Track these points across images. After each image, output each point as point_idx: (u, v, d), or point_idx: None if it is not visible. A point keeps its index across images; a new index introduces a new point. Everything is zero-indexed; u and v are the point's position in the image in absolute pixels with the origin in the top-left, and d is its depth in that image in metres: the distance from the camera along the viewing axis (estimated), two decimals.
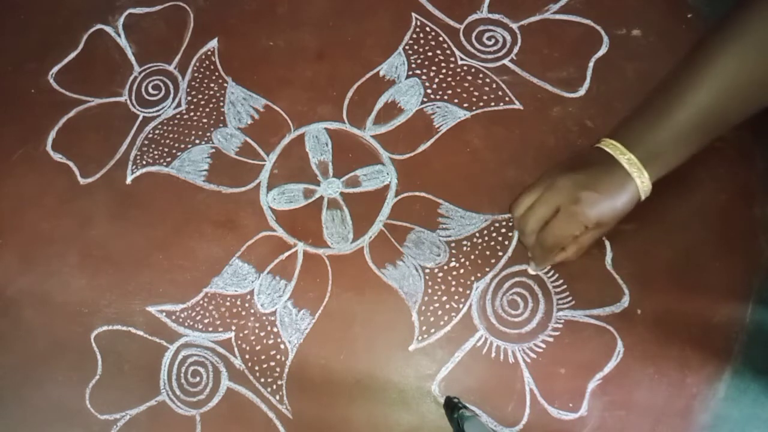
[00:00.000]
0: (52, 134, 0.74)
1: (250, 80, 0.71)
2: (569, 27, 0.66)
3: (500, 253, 0.60)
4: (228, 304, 0.64)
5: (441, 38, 0.68)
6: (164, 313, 0.65)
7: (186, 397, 0.62)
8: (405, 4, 0.70)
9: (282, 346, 0.61)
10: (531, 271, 0.58)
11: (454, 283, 0.60)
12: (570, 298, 0.57)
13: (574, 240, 0.49)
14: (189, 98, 0.72)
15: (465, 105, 0.65)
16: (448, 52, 0.68)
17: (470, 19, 0.68)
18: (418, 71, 0.67)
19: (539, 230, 0.50)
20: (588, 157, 0.48)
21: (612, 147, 0.47)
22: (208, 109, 0.71)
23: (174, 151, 0.70)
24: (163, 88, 0.73)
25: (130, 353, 0.64)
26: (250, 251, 0.65)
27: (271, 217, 0.66)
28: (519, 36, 0.66)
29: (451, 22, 0.69)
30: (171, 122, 0.72)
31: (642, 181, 0.46)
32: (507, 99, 0.65)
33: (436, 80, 0.67)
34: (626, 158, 0.46)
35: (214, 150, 0.69)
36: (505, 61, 0.66)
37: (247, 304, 0.63)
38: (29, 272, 0.69)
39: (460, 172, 0.63)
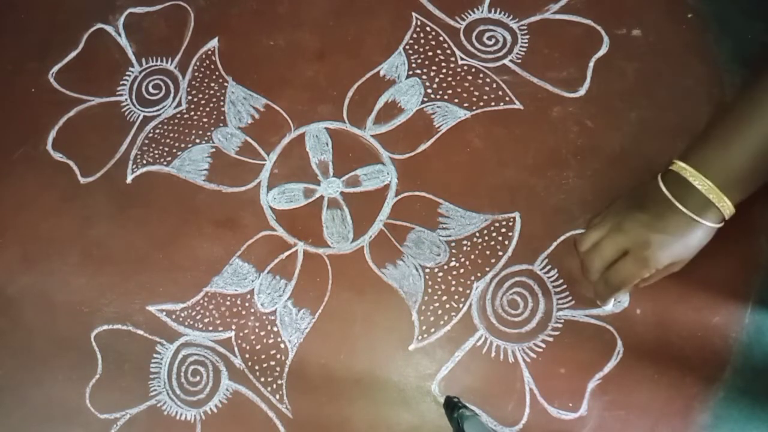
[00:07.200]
0: (53, 133, 0.74)
1: (251, 80, 0.71)
2: (569, 27, 0.66)
3: (500, 253, 0.60)
4: (228, 303, 0.64)
5: (441, 38, 0.68)
6: (164, 313, 0.65)
7: (186, 396, 0.62)
8: (405, 3, 0.70)
9: (282, 346, 0.61)
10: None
11: (454, 282, 0.60)
12: (570, 298, 0.57)
13: (643, 280, 0.47)
14: (189, 98, 0.72)
15: (465, 105, 0.65)
16: (448, 51, 0.67)
17: (470, 18, 0.68)
18: (419, 71, 0.67)
19: (606, 269, 0.47)
20: (654, 192, 0.45)
21: (686, 172, 0.43)
22: (208, 109, 0.71)
23: (174, 150, 0.70)
24: (164, 88, 0.73)
25: (130, 352, 0.64)
26: (251, 251, 0.65)
27: (272, 217, 0.66)
28: (519, 36, 0.66)
29: (452, 22, 0.69)
30: (171, 121, 0.72)
31: (722, 205, 0.43)
32: (507, 99, 0.65)
33: (437, 80, 0.67)
34: (699, 183, 0.42)
35: (214, 149, 0.69)
36: (506, 61, 0.66)
37: (247, 304, 0.63)
38: (30, 271, 0.69)
39: (460, 172, 0.63)
